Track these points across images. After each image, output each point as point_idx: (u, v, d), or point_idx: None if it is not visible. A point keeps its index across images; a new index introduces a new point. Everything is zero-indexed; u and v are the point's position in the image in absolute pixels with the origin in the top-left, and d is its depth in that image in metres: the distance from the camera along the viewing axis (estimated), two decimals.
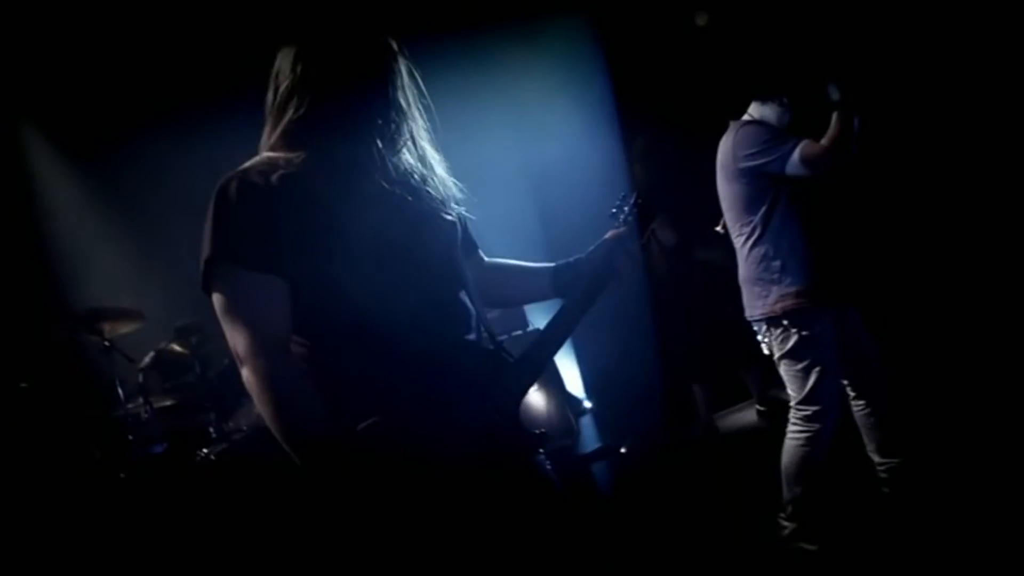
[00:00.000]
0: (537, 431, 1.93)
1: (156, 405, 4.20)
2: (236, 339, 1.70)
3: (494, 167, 5.20)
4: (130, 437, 4.06)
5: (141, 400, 4.14)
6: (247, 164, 1.80)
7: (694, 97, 4.83)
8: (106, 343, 4.13)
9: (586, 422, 5.89)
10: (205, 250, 1.71)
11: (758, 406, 5.08)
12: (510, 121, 5.62)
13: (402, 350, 1.75)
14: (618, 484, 4.76)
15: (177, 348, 4.35)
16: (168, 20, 4.65)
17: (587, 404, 6.06)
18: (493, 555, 1.75)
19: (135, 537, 3.66)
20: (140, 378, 4.40)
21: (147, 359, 4.41)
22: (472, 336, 1.89)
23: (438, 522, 1.68)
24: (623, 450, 5.08)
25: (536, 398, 5.44)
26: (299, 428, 1.66)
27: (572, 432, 5.32)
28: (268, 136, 1.85)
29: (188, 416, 4.25)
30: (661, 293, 5.27)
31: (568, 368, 6.05)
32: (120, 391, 4.06)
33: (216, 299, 1.73)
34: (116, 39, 4.70)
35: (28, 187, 5.18)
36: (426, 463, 1.68)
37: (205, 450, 3.88)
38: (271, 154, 1.81)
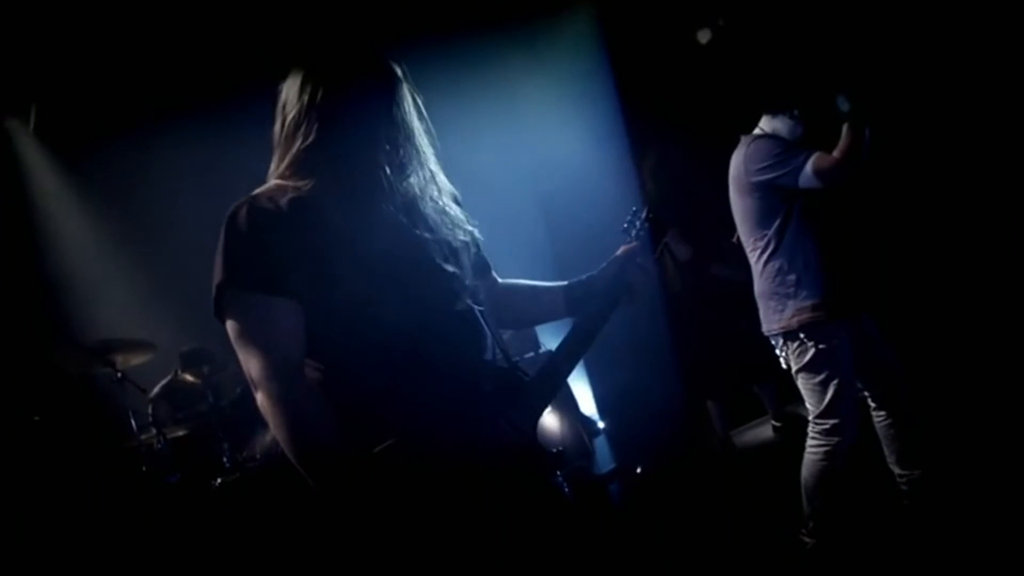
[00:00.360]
0: (554, 450, 1.91)
1: (169, 435, 4.17)
2: (250, 364, 1.70)
3: (500, 180, 5.22)
4: (144, 468, 4.04)
5: (154, 431, 4.11)
6: (257, 191, 1.81)
7: (703, 109, 4.82)
8: (118, 374, 4.11)
9: (600, 443, 5.84)
10: (217, 276, 1.73)
11: (774, 422, 5.04)
12: (516, 133, 5.61)
13: (416, 372, 1.75)
14: (635, 503, 4.71)
15: (189, 378, 4.33)
16: (180, 43, 4.67)
17: (601, 424, 6.01)
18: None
19: (150, 566, 3.64)
20: (151, 408, 4.39)
21: (158, 389, 4.39)
22: (487, 356, 1.88)
23: (455, 543, 1.66)
24: (638, 470, 5.03)
25: (550, 419, 5.40)
26: (314, 451, 1.66)
27: (587, 453, 5.28)
28: (276, 165, 1.86)
29: (201, 446, 4.23)
30: (675, 308, 5.25)
31: (581, 388, 6.01)
32: (133, 422, 4.04)
33: (229, 325, 1.73)
34: (124, 62, 4.72)
35: (34, 217, 5.19)
36: (442, 484, 1.67)
37: (219, 479, 3.86)
38: (280, 181, 1.82)
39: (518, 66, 5.66)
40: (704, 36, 5.17)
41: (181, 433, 4.25)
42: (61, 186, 5.35)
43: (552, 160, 5.66)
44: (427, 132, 1.89)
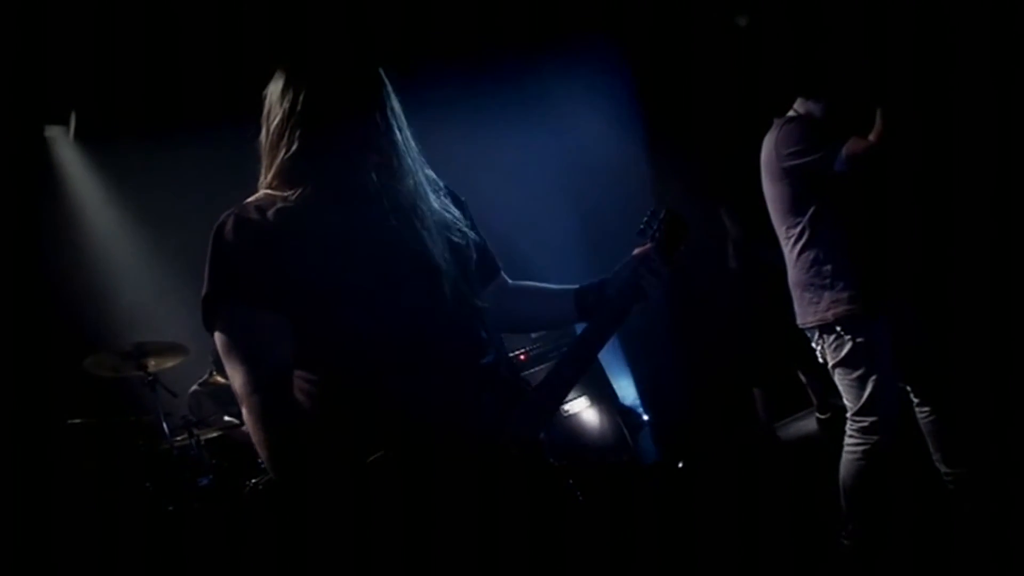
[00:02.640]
0: (562, 462, 1.84)
1: (202, 437, 4.18)
2: (234, 376, 1.67)
3: (534, 172, 5.16)
4: (183, 469, 4.05)
5: (186, 433, 4.12)
6: (247, 200, 1.78)
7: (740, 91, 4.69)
8: (150, 377, 4.13)
9: (644, 436, 5.73)
10: (203, 288, 1.70)
11: (818, 414, 4.88)
12: (549, 127, 5.56)
13: (411, 381, 1.69)
14: (674, 498, 4.60)
15: (222, 380, 4.33)
16: (217, 46, 4.68)
17: (645, 417, 5.90)
18: None
19: (180, 567, 3.65)
20: (189, 409, 4.41)
21: (191, 391, 4.41)
22: (485, 364, 1.80)
23: (449, 554, 1.61)
24: (680, 465, 4.92)
25: (589, 415, 5.34)
26: (291, 468, 1.61)
27: (627, 448, 5.19)
28: (264, 175, 1.83)
29: (234, 448, 4.23)
30: (723, 294, 5.15)
31: (624, 382, 5.93)
32: (164, 425, 4.05)
33: (216, 337, 1.70)
34: (161, 65, 4.75)
35: (73, 223, 5.26)
36: (437, 496, 1.61)
37: (253, 480, 3.85)
38: (269, 191, 1.78)
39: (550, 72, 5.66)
40: (744, 19, 5.05)
41: (214, 435, 4.26)
42: (100, 192, 5.42)
43: (583, 144, 5.60)
44: (412, 136, 1.83)
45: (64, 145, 5.46)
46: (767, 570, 3.22)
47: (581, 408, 5.33)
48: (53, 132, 5.44)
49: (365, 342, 1.68)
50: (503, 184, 5.14)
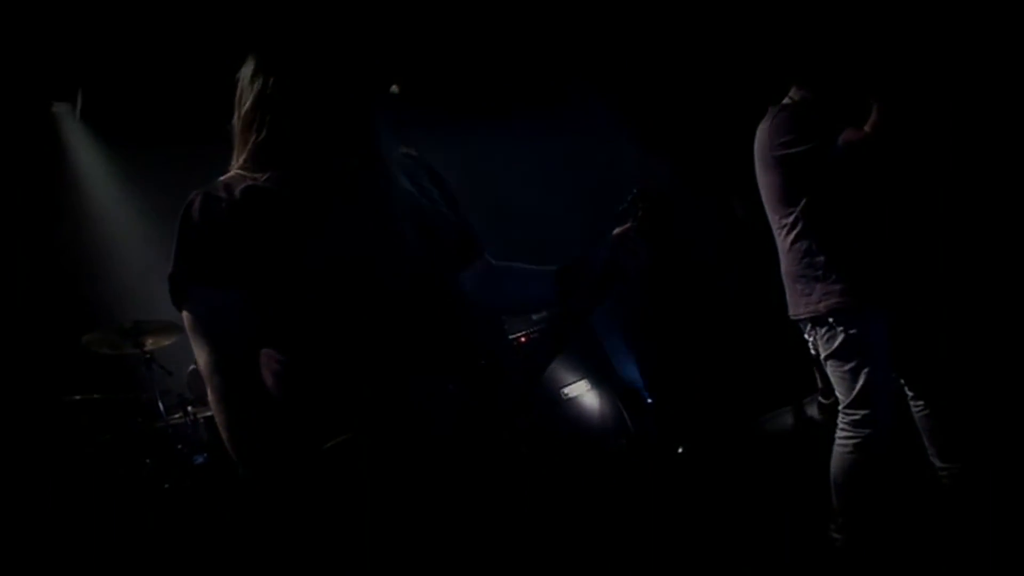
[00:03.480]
0: (540, 448, 1.82)
1: (200, 416, 4.20)
2: (199, 356, 1.69)
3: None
4: (179, 447, 4.07)
5: (182, 412, 4.14)
6: (217, 180, 1.77)
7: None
8: (147, 355, 4.15)
9: (647, 422, 5.71)
10: (170, 267, 1.72)
11: (821, 398, 4.82)
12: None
13: (373, 363, 1.68)
14: (668, 484, 4.57)
15: None
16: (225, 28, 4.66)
17: (649, 401, 5.87)
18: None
19: (177, 546, 3.68)
20: (188, 387, 4.43)
21: (191, 368, 4.42)
22: (451, 348, 1.77)
23: (404, 540, 1.59)
24: (680, 450, 4.90)
25: (590, 399, 5.33)
26: (250, 450, 1.62)
27: (627, 432, 5.17)
28: (236, 157, 1.82)
29: None
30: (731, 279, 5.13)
31: (629, 366, 5.91)
32: (160, 404, 4.07)
33: (184, 316, 1.73)
34: (169, 43, 4.73)
35: (77, 200, 5.27)
36: (396, 481, 1.60)
37: None
38: (240, 171, 1.78)
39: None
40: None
41: (210, 413, 4.27)
42: (103, 168, 5.42)
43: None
44: (388, 119, 1.81)
45: (70, 121, 5.47)
46: (757, 562, 3.19)
47: (582, 391, 5.32)
48: (60, 108, 5.46)
49: (328, 324, 1.68)
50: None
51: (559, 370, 5.29)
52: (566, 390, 5.30)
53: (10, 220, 4.85)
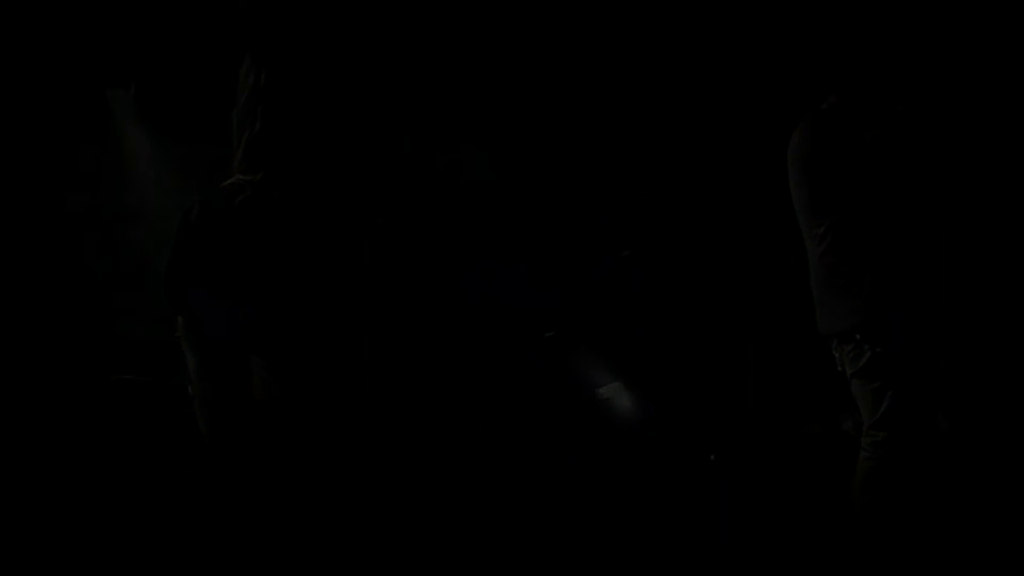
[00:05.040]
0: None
1: None
2: (189, 361, 1.79)
3: None
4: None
5: None
6: (218, 187, 1.85)
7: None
8: (176, 337, 4.21)
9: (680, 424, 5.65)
10: (167, 273, 1.82)
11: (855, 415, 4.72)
12: None
13: (370, 363, 1.75)
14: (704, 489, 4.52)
15: None
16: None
17: (683, 406, 5.79)
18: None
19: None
20: None
21: None
22: (446, 340, 1.82)
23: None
24: (712, 457, 4.83)
25: (623, 400, 5.28)
26: (227, 454, 1.71)
27: (660, 436, 5.12)
28: (235, 155, 1.87)
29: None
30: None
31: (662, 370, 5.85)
32: (190, 389, 4.12)
33: (179, 320, 1.80)
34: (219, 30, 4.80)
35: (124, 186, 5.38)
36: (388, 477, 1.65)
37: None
38: (240, 176, 1.84)
39: None
40: None
41: None
42: (156, 156, 5.51)
43: None
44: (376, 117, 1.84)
45: (124, 108, 5.57)
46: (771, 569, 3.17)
47: (614, 393, 5.28)
48: (114, 95, 5.57)
49: (319, 330, 1.72)
50: None
51: (594, 371, 5.27)
52: (600, 391, 5.27)
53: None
